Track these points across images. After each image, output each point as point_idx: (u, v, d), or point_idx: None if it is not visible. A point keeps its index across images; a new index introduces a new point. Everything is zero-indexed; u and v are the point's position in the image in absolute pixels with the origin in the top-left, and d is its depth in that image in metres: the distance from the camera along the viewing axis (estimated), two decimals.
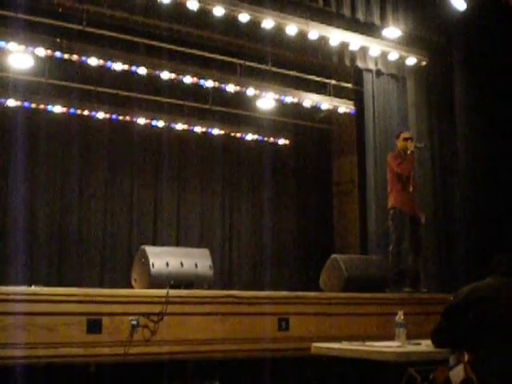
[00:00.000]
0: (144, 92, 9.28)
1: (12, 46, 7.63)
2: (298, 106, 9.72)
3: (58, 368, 4.66)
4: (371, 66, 8.64)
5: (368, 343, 4.11)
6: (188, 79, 8.71)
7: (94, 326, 4.58)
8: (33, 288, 4.88)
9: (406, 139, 7.09)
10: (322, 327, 5.58)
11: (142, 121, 9.82)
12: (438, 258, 8.18)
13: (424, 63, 8.71)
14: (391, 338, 4.19)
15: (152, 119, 9.84)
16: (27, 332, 4.38)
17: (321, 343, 4.37)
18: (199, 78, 8.77)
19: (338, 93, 9.77)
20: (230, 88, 9.02)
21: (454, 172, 8.12)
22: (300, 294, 5.87)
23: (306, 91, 9.58)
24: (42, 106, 9.20)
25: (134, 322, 4.71)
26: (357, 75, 9.27)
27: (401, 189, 7.00)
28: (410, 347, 3.94)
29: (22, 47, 7.70)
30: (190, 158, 10.53)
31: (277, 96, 9.40)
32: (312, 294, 5.97)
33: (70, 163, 9.53)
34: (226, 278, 10.12)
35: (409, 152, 7.06)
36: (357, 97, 9.57)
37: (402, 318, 4.12)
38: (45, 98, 9.17)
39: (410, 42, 8.58)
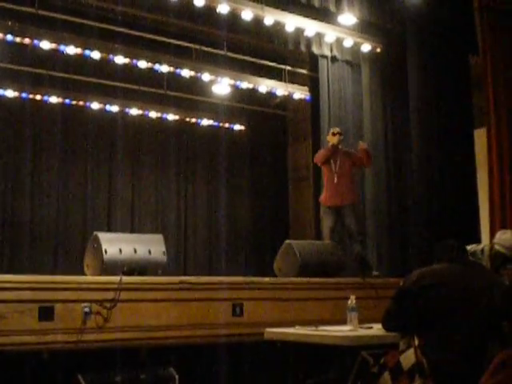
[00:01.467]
0: (98, 76, 9.15)
1: None
2: (253, 91, 9.72)
3: (10, 356, 4.61)
4: (326, 52, 8.69)
5: (321, 328, 4.14)
6: (143, 64, 8.62)
7: (46, 313, 4.52)
8: None
9: (334, 134, 7.29)
10: (276, 312, 5.60)
11: (95, 105, 9.70)
12: (391, 243, 8.29)
13: (379, 50, 8.78)
14: (345, 322, 4.24)
15: (106, 104, 9.74)
16: None
17: (274, 328, 4.40)
18: (154, 63, 8.69)
19: (294, 79, 9.80)
20: (186, 73, 8.96)
21: (407, 158, 8.21)
22: (254, 279, 5.88)
23: (262, 77, 9.58)
24: None
25: (87, 309, 4.67)
26: (312, 61, 9.32)
27: (326, 182, 7.32)
28: (362, 331, 4.00)
29: None
30: (145, 144, 10.46)
31: (232, 81, 9.38)
32: (266, 279, 5.99)
33: (23, 148, 9.38)
34: (180, 265, 10.10)
35: (330, 145, 7.28)
36: (312, 83, 9.62)
37: (353, 302, 4.17)
38: None
39: (364, 28, 8.64)
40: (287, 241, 6.62)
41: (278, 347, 4.56)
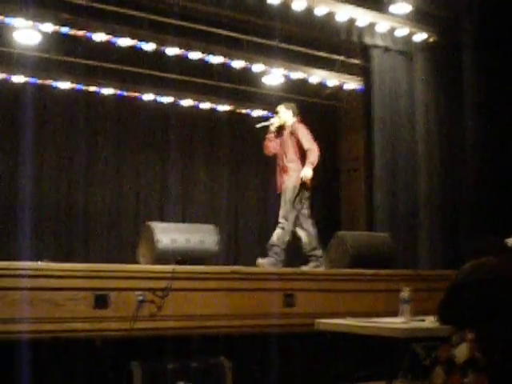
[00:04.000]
0: (150, 68, 9.22)
1: (19, 21, 7.59)
2: (304, 82, 9.67)
3: (64, 343, 4.71)
4: (379, 42, 8.57)
5: (373, 319, 4.12)
6: (195, 55, 8.65)
7: (101, 301, 4.61)
8: (40, 263, 4.90)
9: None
10: (327, 304, 5.60)
11: (148, 97, 9.80)
12: (443, 235, 8.17)
13: (432, 40, 8.63)
14: (396, 314, 4.20)
15: (158, 95, 9.83)
16: (34, 307, 4.41)
17: (325, 319, 4.39)
18: (206, 54, 8.72)
19: (346, 69, 9.71)
20: (237, 64, 8.97)
21: (461, 151, 8.08)
22: (306, 270, 5.88)
23: (313, 67, 9.53)
24: (48, 82, 9.19)
25: (141, 298, 4.74)
26: (364, 51, 9.21)
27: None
28: (415, 323, 3.96)
29: (29, 23, 7.66)
30: (197, 135, 10.53)
31: (284, 72, 9.35)
32: (318, 270, 5.98)
33: (77, 139, 9.54)
34: (232, 255, 10.15)
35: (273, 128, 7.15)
36: (364, 73, 9.51)
37: (407, 294, 4.13)
38: (51, 74, 9.15)
39: (418, 18, 8.48)
40: (338, 232, 6.60)
41: (329, 338, 4.56)
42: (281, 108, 7.22)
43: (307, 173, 6.83)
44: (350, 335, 4.13)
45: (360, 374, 4.75)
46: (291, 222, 6.81)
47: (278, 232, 6.79)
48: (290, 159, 6.94)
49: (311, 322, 4.43)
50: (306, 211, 6.98)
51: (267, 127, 7.23)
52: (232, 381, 5.06)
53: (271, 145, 7.20)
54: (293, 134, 7.01)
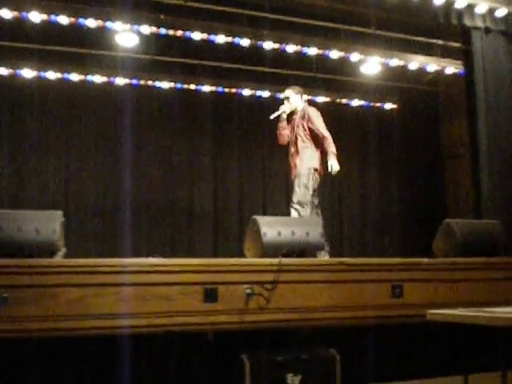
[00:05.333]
0: (248, 63, 9.31)
1: (118, 25, 7.85)
2: (403, 68, 9.50)
3: (177, 336, 4.82)
4: (479, 23, 8.34)
5: (487, 309, 4.01)
6: (291, 48, 8.67)
7: (211, 294, 4.68)
8: (151, 259, 5.03)
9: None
10: (436, 294, 5.47)
11: (247, 92, 9.90)
12: None
13: None
14: (509, 304, 4.07)
15: (257, 90, 9.90)
16: (147, 302, 4.54)
17: (436, 310, 4.30)
18: (303, 46, 8.72)
19: (446, 53, 9.46)
20: (334, 54, 8.91)
21: None
22: (413, 260, 5.77)
23: (412, 53, 9.34)
24: (149, 83, 9.44)
25: (249, 291, 4.78)
26: (464, 34, 8.95)
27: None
28: None
29: (128, 26, 7.90)
30: None
31: (382, 60, 9.22)
32: (426, 260, 5.86)
33: (180, 137, 9.75)
34: (336, 246, 10.11)
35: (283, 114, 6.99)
36: (465, 56, 9.23)
37: None
38: (152, 75, 9.40)
39: None
40: (446, 220, 6.43)
41: (440, 329, 4.47)
42: (289, 93, 7.10)
43: (335, 165, 6.73)
44: (459, 327, 4.03)
45: (473, 365, 4.64)
46: (309, 208, 6.69)
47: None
48: (303, 143, 6.85)
49: (420, 313, 4.35)
50: (316, 200, 6.87)
51: (279, 117, 7.10)
52: (340, 373, 5.04)
53: (285, 133, 7.07)
54: (304, 117, 6.92)
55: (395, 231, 10.63)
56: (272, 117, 7.07)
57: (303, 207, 6.65)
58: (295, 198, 6.73)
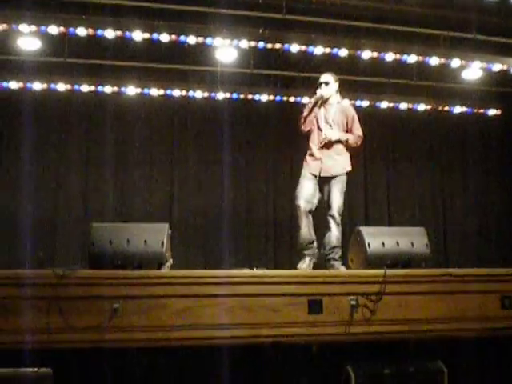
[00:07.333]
0: (346, 73, 9.25)
1: (217, 41, 8.05)
2: (506, 73, 9.23)
3: (282, 348, 4.86)
4: None
5: None
6: (390, 56, 8.61)
7: (315, 306, 4.69)
8: (256, 271, 5.10)
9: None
10: None
11: (345, 103, 9.84)
12: None
13: None
14: None
15: (356, 99, 9.84)
16: (253, 312, 4.59)
17: None
18: (402, 54, 8.63)
19: None
20: (434, 61, 8.78)
21: None
22: None
23: None
24: (249, 96, 9.58)
25: (354, 302, 4.76)
26: None
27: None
28: None
29: (227, 41, 8.08)
30: (397, 135, 10.47)
31: (483, 65, 9.00)
32: None
33: (282, 150, 9.78)
34: (440, 257, 9.91)
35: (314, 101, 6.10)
36: None
37: None
38: (251, 88, 9.52)
39: None
40: None
41: None
42: (330, 78, 6.26)
43: (333, 134, 6.05)
44: None
45: None
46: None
47: (335, 232, 5.89)
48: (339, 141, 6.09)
49: None
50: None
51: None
52: None
53: (309, 119, 6.18)
54: (343, 112, 6.20)
55: (501, 241, 10.30)
56: (310, 101, 6.25)
57: (340, 216, 5.92)
58: (334, 206, 5.91)
